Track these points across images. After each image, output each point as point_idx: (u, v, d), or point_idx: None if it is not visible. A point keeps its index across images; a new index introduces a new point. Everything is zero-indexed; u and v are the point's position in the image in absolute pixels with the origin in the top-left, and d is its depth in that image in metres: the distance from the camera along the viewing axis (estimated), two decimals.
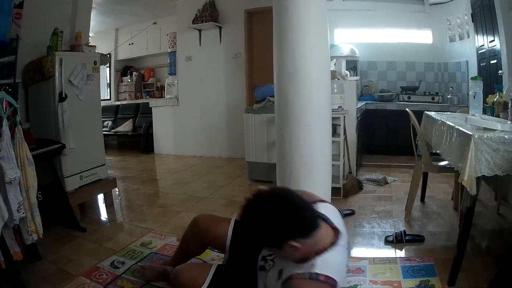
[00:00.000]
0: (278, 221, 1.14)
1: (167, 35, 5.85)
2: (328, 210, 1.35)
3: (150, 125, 5.95)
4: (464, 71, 4.33)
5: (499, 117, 2.06)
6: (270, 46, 2.22)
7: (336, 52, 4.40)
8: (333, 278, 1.16)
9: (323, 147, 2.18)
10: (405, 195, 2.86)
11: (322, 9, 2.11)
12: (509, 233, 2.36)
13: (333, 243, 1.23)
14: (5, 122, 1.82)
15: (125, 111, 6.66)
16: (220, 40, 5.21)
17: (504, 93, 2.20)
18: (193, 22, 5.18)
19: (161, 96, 6.42)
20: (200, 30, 5.30)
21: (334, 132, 3.22)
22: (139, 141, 6.07)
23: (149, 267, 1.95)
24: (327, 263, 1.18)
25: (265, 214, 1.15)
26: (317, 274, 1.16)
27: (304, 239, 1.16)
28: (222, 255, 2.07)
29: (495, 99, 2.20)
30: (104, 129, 5.49)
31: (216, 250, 2.12)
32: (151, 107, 5.89)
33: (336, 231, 1.26)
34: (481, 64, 3.75)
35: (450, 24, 4.61)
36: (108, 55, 6.56)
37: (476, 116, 2.07)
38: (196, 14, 5.15)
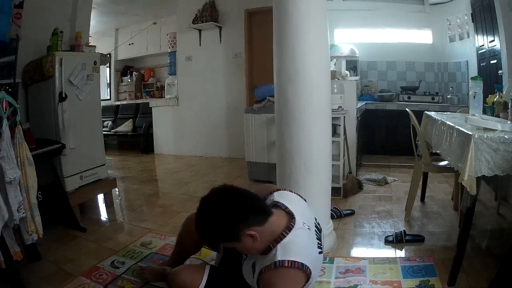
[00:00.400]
0: (226, 212, 1.19)
1: (167, 35, 5.85)
2: (284, 196, 1.37)
3: (150, 125, 5.95)
4: (464, 71, 4.33)
5: (499, 117, 2.06)
6: (270, 46, 2.21)
7: (336, 52, 4.40)
8: (298, 262, 1.18)
9: (323, 147, 2.18)
10: (405, 195, 2.86)
11: (322, 9, 2.11)
12: (509, 233, 2.36)
13: (289, 227, 1.24)
14: (5, 122, 1.82)
15: (125, 111, 6.66)
16: (220, 40, 5.22)
17: (504, 93, 2.20)
18: (193, 22, 5.18)
19: (161, 96, 6.41)
20: (200, 30, 5.30)
21: (334, 132, 3.23)
22: (139, 141, 6.07)
23: (148, 268, 1.96)
24: (287, 248, 1.20)
25: (213, 209, 1.21)
26: (281, 261, 1.17)
27: (258, 226, 1.20)
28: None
29: (495, 99, 2.20)
30: (104, 129, 5.49)
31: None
32: (151, 107, 5.89)
33: (290, 215, 1.27)
34: (481, 64, 3.75)
35: (450, 24, 4.61)
36: (108, 55, 6.56)
37: (476, 116, 2.07)
38: (196, 14, 5.16)
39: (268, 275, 1.19)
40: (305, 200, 1.47)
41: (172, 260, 1.91)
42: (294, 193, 1.46)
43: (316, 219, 1.42)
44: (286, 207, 1.31)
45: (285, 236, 1.22)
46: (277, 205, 1.32)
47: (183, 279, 1.53)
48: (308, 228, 1.30)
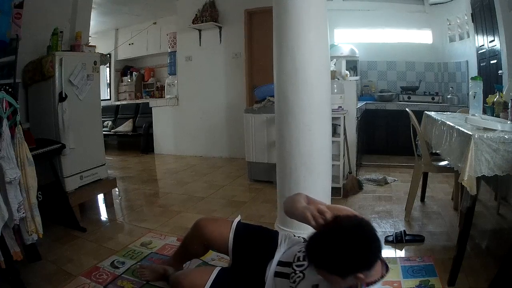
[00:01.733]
0: (358, 255, 1.07)
1: (167, 35, 5.85)
2: None
3: (150, 125, 5.94)
4: (464, 71, 4.33)
5: (499, 117, 2.06)
6: (270, 46, 2.22)
7: (336, 52, 4.40)
8: None
9: (323, 147, 2.18)
10: (405, 195, 2.86)
11: (322, 9, 2.11)
12: (509, 233, 2.35)
13: (382, 277, 1.19)
14: (5, 122, 1.82)
15: (125, 111, 6.66)
16: (220, 40, 5.21)
17: (504, 93, 2.20)
18: (193, 22, 5.18)
19: (161, 96, 6.42)
20: (200, 30, 5.29)
21: (334, 132, 3.23)
22: (139, 141, 6.07)
23: (148, 267, 1.95)
24: None
25: (348, 244, 1.07)
26: None
27: (369, 271, 1.11)
28: (222, 255, 2.08)
29: (495, 99, 2.20)
30: (104, 129, 5.49)
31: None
32: (151, 107, 5.89)
33: (384, 265, 1.22)
34: (481, 64, 3.75)
35: (450, 24, 4.61)
36: (108, 55, 6.56)
37: (476, 116, 2.07)
38: (196, 14, 5.15)
39: None
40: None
41: (175, 260, 1.90)
42: None
43: None
44: (382, 257, 1.21)
45: (376, 284, 1.16)
46: None
47: (188, 281, 1.49)
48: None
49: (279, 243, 1.55)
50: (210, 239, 1.66)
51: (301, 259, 1.37)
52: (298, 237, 1.64)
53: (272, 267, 1.46)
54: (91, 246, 2.38)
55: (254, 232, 1.66)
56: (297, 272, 1.36)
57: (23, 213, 1.87)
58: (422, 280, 1.79)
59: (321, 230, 1.18)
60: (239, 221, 1.67)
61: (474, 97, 2.24)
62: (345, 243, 1.07)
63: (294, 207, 1.36)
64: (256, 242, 1.59)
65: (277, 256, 1.49)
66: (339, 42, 4.84)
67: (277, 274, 1.43)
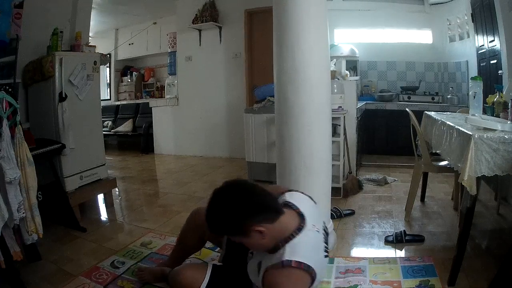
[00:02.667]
0: (238, 205, 1.19)
1: (167, 35, 5.84)
2: (295, 197, 1.38)
3: (150, 125, 5.95)
4: (464, 71, 4.33)
5: (499, 117, 2.06)
6: (270, 46, 2.21)
7: (336, 52, 4.40)
8: (305, 263, 1.18)
9: (323, 147, 2.18)
10: (405, 195, 2.86)
11: (322, 9, 2.11)
12: (509, 233, 2.36)
13: (299, 228, 1.24)
14: (5, 122, 1.82)
15: (125, 111, 6.66)
16: (220, 40, 5.21)
17: (504, 93, 2.20)
18: (193, 22, 5.18)
19: (161, 96, 6.41)
20: (200, 30, 5.29)
21: (334, 132, 3.23)
22: (139, 141, 6.07)
23: (147, 269, 1.95)
24: (295, 249, 1.20)
25: (225, 201, 1.21)
26: (288, 260, 1.17)
27: (268, 223, 1.20)
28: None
29: (495, 99, 2.20)
30: (104, 129, 5.49)
31: (216, 250, 2.12)
32: (151, 107, 5.89)
33: (301, 216, 1.27)
34: (481, 64, 3.75)
35: (450, 24, 4.61)
36: (108, 55, 6.56)
37: (476, 116, 2.07)
38: (196, 14, 5.15)
39: (273, 274, 1.19)
40: (315, 202, 1.47)
41: (172, 260, 1.90)
42: (305, 195, 1.46)
43: (324, 223, 1.41)
44: (297, 208, 1.31)
45: (294, 237, 1.23)
46: (289, 205, 1.32)
47: (185, 277, 1.51)
48: (317, 231, 1.30)
49: None
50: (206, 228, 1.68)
51: None
52: None
53: (249, 254, 1.49)
54: (91, 246, 2.38)
55: None
56: (249, 253, 1.43)
57: (23, 213, 1.87)
58: (422, 280, 1.79)
59: (208, 203, 1.26)
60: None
61: (474, 97, 2.24)
62: (218, 202, 1.22)
63: None
64: None
65: None
66: (339, 42, 4.84)
67: (248, 259, 1.46)
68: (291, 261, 1.18)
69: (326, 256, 1.35)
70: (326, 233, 1.40)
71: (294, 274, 1.18)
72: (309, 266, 1.19)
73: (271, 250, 1.25)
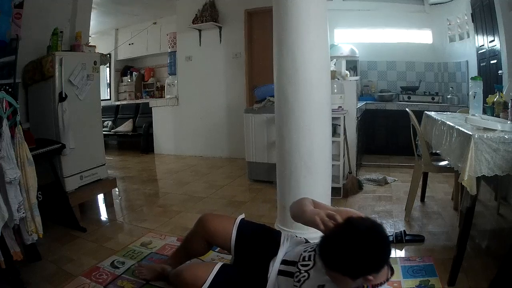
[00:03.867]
0: (371, 257, 1.09)
1: (167, 35, 5.84)
2: None
3: (150, 125, 5.95)
4: (464, 71, 4.33)
5: (499, 117, 2.06)
6: (270, 46, 2.21)
7: (336, 52, 4.40)
8: None
9: (323, 147, 2.18)
10: (405, 195, 2.86)
11: (322, 9, 2.11)
12: (509, 233, 2.35)
13: (387, 279, 1.20)
14: (5, 122, 1.82)
15: (125, 111, 6.66)
16: (220, 40, 5.21)
17: (504, 93, 2.21)
18: (193, 22, 5.17)
19: (161, 96, 6.42)
20: (200, 30, 5.29)
21: (334, 132, 3.22)
22: (139, 141, 6.07)
23: (146, 266, 1.95)
24: None
25: (362, 246, 1.08)
26: None
27: (377, 273, 1.13)
28: (222, 255, 2.08)
29: (495, 99, 2.20)
30: (104, 129, 5.50)
31: (216, 250, 2.12)
32: (151, 107, 5.89)
33: (389, 267, 1.22)
34: (481, 64, 3.75)
35: (450, 24, 4.61)
36: (108, 55, 6.55)
37: (476, 116, 2.07)
38: (196, 14, 5.15)
39: None
40: None
41: (175, 259, 1.89)
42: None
43: None
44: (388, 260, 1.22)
45: (381, 285, 1.17)
46: None
47: (189, 275, 1.49)
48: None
49: (281, 242, 1.56)
50: (213, 235, 1.67)
51: (306, 258, 1.37)
52: (300, 237, 1.64)
53: (276, 265, 1.46)
54: (91, 246, 2.38)
55: (257, 230, 1.67)
56: (302, 271, 1.35)
57: (23, 213, 1.87)
58: (422, 280, 1.79)
59: (334, 231, 1.17)
60: (243, 218, 1.69)
61: (474, 97, 2.24)
62: (359, 245, 1.07)
63: (302, 211, 1.36)
64: (259, 239, 1.60)
65: (281, 255, 1.49)
66: (339, 42, 4.84)
67: (280, 272, 1.43)
68: None
69: None
70: None
71: None
72: None
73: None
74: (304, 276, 1.34)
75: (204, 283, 1.43)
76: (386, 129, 4.74)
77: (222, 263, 1.53)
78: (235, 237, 1.62)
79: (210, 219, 1.72)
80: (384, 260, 1.13)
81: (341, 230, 1.15)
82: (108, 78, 7.14)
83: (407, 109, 2.80)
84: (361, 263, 1.08)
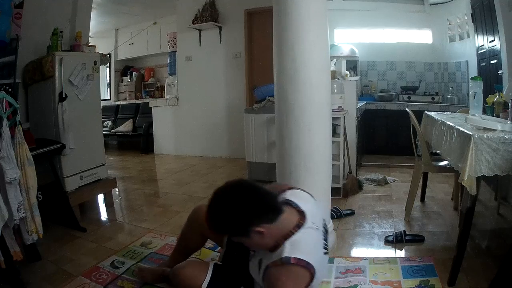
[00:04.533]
0: (239, 207, 1.20)
1: (167, 35, 5.84)
2: (296, 195, 1.39)
3: (150, 125, 5.95)
4: (464, 71, 4.33)
5: (499, 117, 2.06)
6: (270, 46, 2.21)
7: (336, 52, 4.39)
8: (304, 260, 1.19)
9: (323, 147, 2.18)
10: (405, 195, 2.85)
11: (322, 9, 2.11)
12: (509, 233, 2.35)
13: (298, 225, 1.25)
14: (5, 122, 1.82)
15: (125, 111, 6.66)
16: (220, 40, 5.21)
17: (504, 93, 2.21)
18: (193, 22, 5.18)
19: (161, 96, 6.42)
20: (200, 30, 5.29)
21: (334, 132, 3.22)
22: (139, 141, 6.07)
23: (147, 269, 1.94)
24: (295, 246, 1.22)
25: (226, 203, 1.22)
26: (287, 257, 1.19)
27: (268, 223, 1.21)
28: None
29: (495, 99, 2.20)
30: (104, 129, 5.50)
31: (216, 250, 2.12)
32: (151, 107, 5.89)
33: (301, 213, 1.29)
34: (481, 64, 3.75)
35: (450, 24, 4.61)
36: (108, 55, 6.56)
37: (476, 116, 2.07)
38: (196, 14, 5.15)
39: (273, 271, 1.21)
40: (315, 200, 1.48)
41: (173, 260, 1.89)
42: (306, 192, 1.48)
43: (324, 220, 1.43)
44: (298, 206, 1.32)
45: (294, 234, 1.24)
46: (289, 203, 1.33)
47: (187, 274, 1.51)
48: (317, 228, 1.32)
49: None
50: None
51: None
52: None
53: (251, 252, 1.49)
54: (91, 246, 2.38)
55: None
56: (251, 251, 1.44)
57: (23, 213, 1.87)
58: (422, 280, 1.79)
59: (208, 204, 1.28)
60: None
61: (474, 97, 2.24)
62: (222, 203, 1.23)
63: None
64: None
65: None
66: (339, 42, 4.84)
67: (250, 258, 1.47)
68: (290, 258, 1.19)
69: (326, 253, 1.36)
70: (326, 231, 1.41)
71: (294, 271, 1.19)
72: (308, 263, 1.20)
73: (272, 248, 1.26)
74: (251, 255, 1.43)
75: (204, 280, 1.46)
76: (386, 129, 4.74)
77: (214, 262, 1.56)
78: None
79: (203, 210, 1.73)
80: (256, 207, 1.21)
81: (210, 201, 1.26)
82: (108, 78, 7.14)
83: (407, 109, 2.80)
84: (232, 218, 1.20)
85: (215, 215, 1.25)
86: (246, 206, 1.21)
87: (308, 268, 1.19)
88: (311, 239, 1.28)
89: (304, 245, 1.23)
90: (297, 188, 1.50)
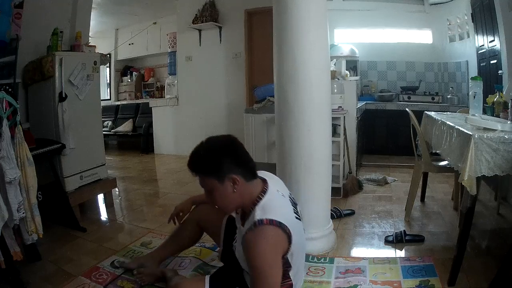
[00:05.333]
0: (224, 146, 1.32)
1: (167, 35, 5.85)
2: (262, 172, 1.47)
3: (150, 125, 5.94)
4: (464, 71, 4.33)
5: (499, 117, 2.06)
6: (270, 46, 2.22)
7: (336, 52, 4.40)
8: (276, 220, 1.24)
9: (323, 147, 2.18)
10: (405, 195, 2.86)
11: (322, 9, 2.11)
12: (509, 233, 2.35)
13: (264, 191, 1.33)
14: (5, 122, 1.82)
15: (125, 111, 6.66)
16: (220, 40, 5.21)
17: (504, 93, 2.21)
18: (193, 22, 5.18)
19: (161, 96, 6.42)
20: (200, 30, 5.29)
21: (334, 132, 3.22)
22: (139, 141, 6.07)
23: (145, 271, 1.93)
24: (265, 209, 1.27)
25: (214, 141, 1.34)
26: (260, 220, 1.23)
27: (243, 178, 1.28)
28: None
29: (495, 99, 2.20)
30: (104, 129, 5.50)
31: (216, 250, 2.12)
32: (151, 107, 5.89)
33: (264, 181, 1.37)
34: (481, 64, 3.75)
35: (450, 24, 4.61)
36: (108, 55, 6.56)
37: (476, 116, 2.07)
38: (196, 14, 5.15)
39: (249, 236, 1.23)
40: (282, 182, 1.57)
41: (163, 247, 1.94)
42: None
43: (291, 194, 1.49)
44: (261, 176, 1.40)
45: (261, 199, 1.30)
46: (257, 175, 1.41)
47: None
48: (282, 195, 1.38)
49: None
50: (206, 219, 1.75)
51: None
52: None
53: (235, 239, 1.57)
54: (91, 246, 2.38)
55: None
56: (235, 239, 1.54)
57: (23, 213, 1.87)
58: (422, 280, 1.79)
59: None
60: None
61: (474, 97, 2.24)
62: (207, 141, 1.35)
63: None
64: None
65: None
66: (339, 42, 4.84)
67: (234, 246, 1.54)
68: (262, 219, 1.23)
69: (298, 219, 1.39)
70: (294, 202, 1.45)
71: (268, 231, 1.22)
72: (280, 223, 1.24)
73: (243, 217, 1.36)
74: (235, 241, 1.53)
75: None
76: (386, 129, 4.74)
77: (208, 276, 1.55)
78: (224, 227, 1.69)
79: (204, 205, 1.79)
80: (237, 156, 1.31)
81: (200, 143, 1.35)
82: (108, 78, 7.14)
83: (407, 109, 2.80)
84: (214, 153, 1.28)
85: (199, 149, 1.32)
86: (231, 149, 1.32)
87: (282, 227, 1.23)
88: (278, 201, 1.34)
89: (273, 207, 1.28)
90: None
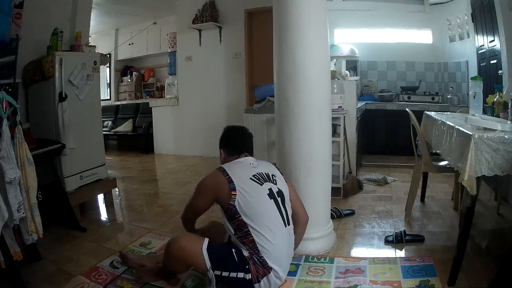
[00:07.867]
0: (227, 134, 1.90)
1: (167, 35, 5.84)
2: (261, 161, 1.92)
3: (150, 125, 5.95)
4: (464, 71, 4.33)
5: (499, 117, 2.06)
6: (270, 46, 2.22)
7: (336, 52, 4.40)
8: (222, 167, 1.71)
9: (323, 147, 2.18)
10: (405, 195, 2.86)
11: (322, 9, 2.11)
12: (509, 233, 2.36)
13: (236, 159, 1.84)
14: (5, 122, 1.82)
15: (125, 111, 6.66)
16: (220, 40, 5.22)
17: (504, 93, 2.20)
18: (193, 22, 5.18)
19: (161, 96, 6.42)
20: (200, 30, 5.30)
21: (334, 132, 3.22)
22: (139, 141, 6.07)
23: (144, 270, 1.93)
24: (225, 164, 1.76)
25: (225, 131, 1.93)
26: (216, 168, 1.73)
27: (227, 153, 1.86)
28: None
29: (495, 99, 2.20)
30: (104, 129, 5.49)
31: None
32: (151, 107, 5.89)
33: (241, 155, 1.85)
34: (481, 64, 3.75)
35: (450, 24, 4.61)
36: (108, 55, 6.56)
37: (476, 116, 2.07)
38: (196, 14, 5.16)
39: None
40: (278, 170, 1.96)
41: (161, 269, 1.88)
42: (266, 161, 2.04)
43: (275, 175, 1.82)
44: (246, 154, 1.91)
45: (231, 161, 1.82)
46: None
47: (188, 238, 1.69)
48: (251, 164, 1.81)
49: None
50: (187, 260, 1.63)
51: None
52: None
53: None
54: (91, 246, 2.38)
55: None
56: None
57: (23, 213, 1.86)
58: (422, 280, 1.79)
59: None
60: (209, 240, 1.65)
61: (474, 97, 2.24)
62: (228, 127, 1.94)
63: None
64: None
65: None
66: (339, 42, 4.84)
67: None
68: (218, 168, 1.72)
69: (256, 182, 1.68)
70: (271, 180, 1.75)
71: (213, 172, 1.71)
72: (224, 169, 1.68)
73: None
74: None
75: (203, 243, 1.60)
76: (386, 129, 4.74)
77: (208, 239, 1.66)
78: (209, 262, 1.58)
79: (179, 240, 1.67)
80: (229, 140, 1.89)
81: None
82: (108, 78, 7.14)
83: (407, 109, 2.80)
84: (223, 136, 1.91)
85: (224, 131, 1.94)
86: (230, 137, 1.89)
87: (223, 173, 1.65)
88: (239, 164, 1.77)
89: (231, 165, 1.75)
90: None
